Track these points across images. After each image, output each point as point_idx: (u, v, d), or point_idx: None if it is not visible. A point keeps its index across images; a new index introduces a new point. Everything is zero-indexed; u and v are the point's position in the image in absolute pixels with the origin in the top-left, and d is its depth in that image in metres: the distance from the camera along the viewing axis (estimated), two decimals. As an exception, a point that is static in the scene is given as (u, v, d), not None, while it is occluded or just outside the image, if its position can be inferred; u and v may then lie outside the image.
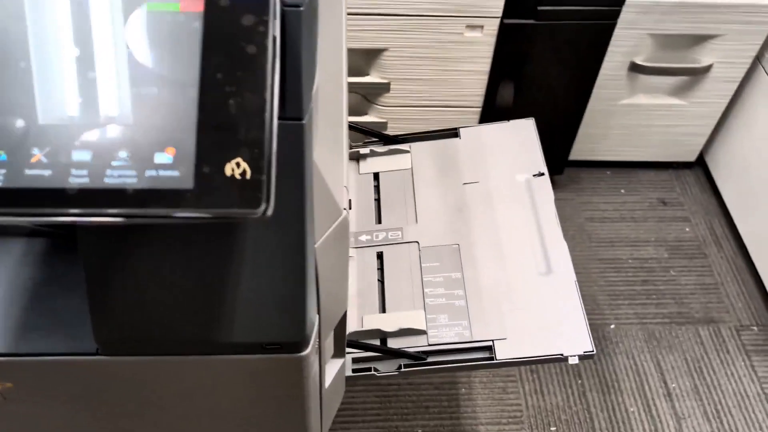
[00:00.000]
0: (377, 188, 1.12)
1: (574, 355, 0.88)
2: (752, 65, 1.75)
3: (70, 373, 0.64)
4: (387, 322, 0.93)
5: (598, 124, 1.87)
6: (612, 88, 1.77)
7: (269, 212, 0.46)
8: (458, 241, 1.02)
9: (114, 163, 0.46)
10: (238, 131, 0.46)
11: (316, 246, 0.61)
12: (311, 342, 0.64)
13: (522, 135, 1.16)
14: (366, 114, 1.71)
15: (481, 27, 1.50)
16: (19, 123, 0.46)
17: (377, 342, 0.93)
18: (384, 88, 1.63)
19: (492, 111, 1.67)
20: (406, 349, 0.90)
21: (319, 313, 0.67)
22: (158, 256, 0.57)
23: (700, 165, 2.05)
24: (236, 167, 0.46)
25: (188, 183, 0.46)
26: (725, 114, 1.88)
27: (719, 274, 1.80)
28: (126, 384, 0.65)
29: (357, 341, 0.90)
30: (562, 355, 0.89)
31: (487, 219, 1.04)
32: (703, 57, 1.72)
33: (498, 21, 1.49)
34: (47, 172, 0.45)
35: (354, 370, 0.91)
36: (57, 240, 0.70)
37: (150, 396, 0.67)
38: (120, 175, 0.45)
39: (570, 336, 0.90)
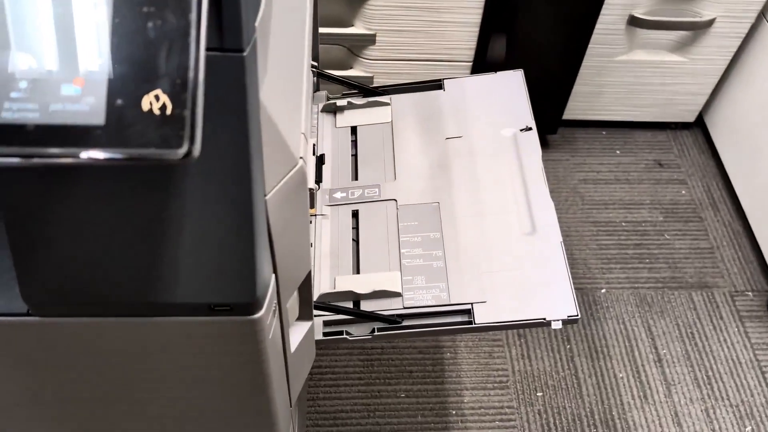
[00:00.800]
0: (354, 143, 1.05)
1: (558, 320, 0.83)
2: (756, 20, 1.67)
3: (1, 335, 0.59)
4: (361, 284, 0.87)
5: (594, 82, 1.79)
6: (609, 43, 1.69)
7: (195, 154, 0.40)
8: (438, 199, 0.96)
9: (13, 95, 0.39)
10: (157, 59, 0.40)
11: (266, 198, 0.55)
12: (266, 304, 0.59)
13: (510, 87, 1.09)
14: (351, 68, 1.64)
15: (472, -25, 1.42)
16: None
17: (350, 305, 0.88)
18: (369, 40, 1.55)
19: (483, 66, 1.59)
20: (380, 312, 0.85)
21: (276, 272, 0.62)
22: (88, 205, 0.51)
23: (699, 126, 1.98)
24: (155, 101, 0.39)
25: (99, 118, 0.39)
26: (726, 72, 1.81)
27: (715, 239, 1.75)
28: (63, 348, 0.60)
29: (328, 303, 0.85)
30: (544, 319, 0.83)
31: (469, 176, 0.98)
32: (705, 11, 1.64)
33: (489, -32, 1.41)
34: (-67, 104, 0.39)
35: (325, 334, 0.85)
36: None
37: (92, 361, 0.62)
38: (19, 109, 0.39)
39: (554, 299, 0.85)
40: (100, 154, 0.39)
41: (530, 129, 1.02)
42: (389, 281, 0.88)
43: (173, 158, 0.39)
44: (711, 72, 1.79)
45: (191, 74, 0.40)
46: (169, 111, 0.39)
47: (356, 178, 1.01)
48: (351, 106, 1.08)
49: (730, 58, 1.75)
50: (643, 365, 1.51)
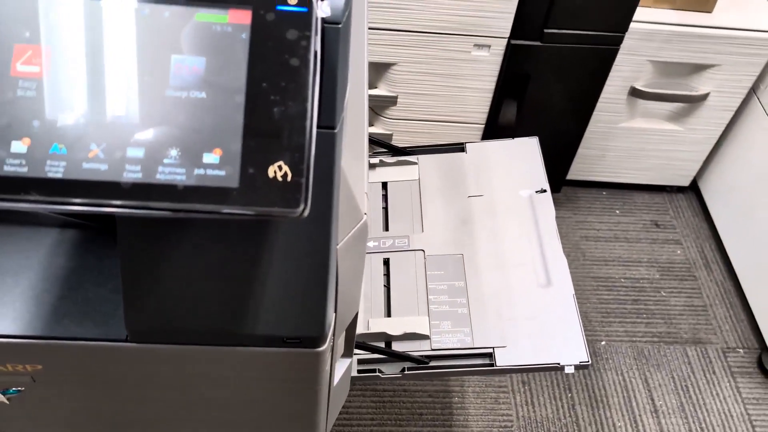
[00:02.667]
0: (385, 197, 1.16)
1: (570, 365, 0.92)
2: (747, 96, 1.81)
3: (98, 357, 0.67)
4: (392, 326, 0.96)
5: (597, 146, 1.92)
6: (611, 111, 1.82)
7: (306, 213, 0.50)
8: (462, 251, 1.06)
9: (165, 161, 0.49)
10: (281, 137, 0.50)
11: (338, 247, 0.65)
12: (328, 339, 0.68)
13: (526, 152, 1.20)
14: (372, 125, 1.75)
15: (489, 46, 1.55)
16: (79, 119, 0.49)
17: (382, 345, 0.96)
18: (391, 101, 1.67)
19: (495, 128, 1.71)
20: (410, 353, 0.94)
21: (335, 312, 0.71)
22: (191, 250, 0.60)
23: (693, 190, 2.11)
24: (278, 170, 0.50)
25: (234, 182, 0.49)
26: (720, 141, 1.94)
27: (708, 297, 1.85)
28: (149, 370, 0.69)
29: (363, 343, 0.94)
30: (558, 364, 0.93)
31: (490, 231, 1.09)
32: (701, 85, 1.78)
33: (505, 41, 1.54)
34: (104, 167, 0.49)
35: (359, 371, 0.94)
36: (87, 232, 0.74)
37: (171, 382, 0.70)
38: (171, 172, 0.49)
39: (567, 346, 0.94)
40: (236, 210, 0.49)
41: (545, 191, 1.13)
42: (418, 325, 0.97)
43: (292, 216, 0.49)
44: (705, 141, 1.92)
45: (306, 149, 0.50)
46: (289, 178, 0.50)
47: (387, 229, 1.11)
48: (382, 163, 1.19)
49: (723, 128, 1.89)
50: (640, 415, 1.59)
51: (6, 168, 0.48)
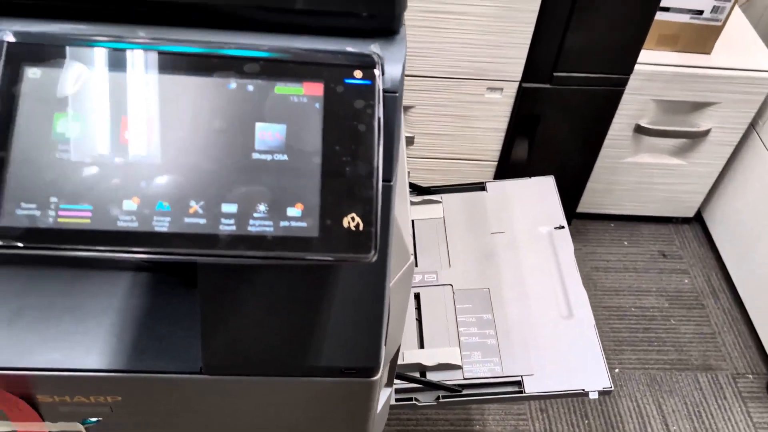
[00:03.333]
0: (413, 234, 1.23)
1: (595, 391, 0.98)
2: (747, 131, 1.90)
3: (173, 389, 0.74)
4: (426, 357, 1.03)
5: (604, 180, 2.00)
6: (618, 147, 1.91)
7: (376, 257, 0.57)
8: (488, 285, 1.13)
9: (255, 215, 0.57)
10: (353, 192, 0.58)
11: (390, 286, 0.72)
12: (380, 369, 0.75)
13: (543, 191, 1.28)
14: (390, 164, 1.84)
15: (501, 89, 1.64)
16: (180, 180, 0.57)
17: (417, 374, 1.03)
18: (408, 141, 1.76)
19: (507, 165, 1.80)
20: (444, 382, 1.01)
21: (385, 344, 0.78)
22: (263, 291, 0.68)
23: (697, 221, 2.18)
24: (352, 220, 0.57)
25: (314, 232, 0.57)
26: (722, 174, 2.02)
27: (716, 324, 1.91)
28: (219, 400, 0.75)
29: (401, 373, 1.00)
30: (583, 390, 0.99)
31: (513, 266, 1.16)
32: (702, 122, 1.87)
33: (517, 84, 1.63)
34: (202, 221, 0.57)
35: (397, 399, 1.01)
36: (157, 275, 0.81)
37: (237, 410, 0.77)
38: (260, 225, 0.57)
39: (590, 374, 1.01)
40: (318, 257, 0.56)
41: (563, 227, 1.21)
42: (451, 355, 1.04)
43: (365, 260, 0.57)
44: (708, 174, 2.01)
45: (374, 202, 0.58)
46: (361, 228, 0.57)
47: (416, 265, 1.18)
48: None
49: (725, 162, 1.97)
50: (656, 441, 1.64)
51: (119, 224, 0.56)
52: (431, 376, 1.03)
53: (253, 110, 0.59)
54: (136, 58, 0.59)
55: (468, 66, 1.58)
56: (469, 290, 1.12)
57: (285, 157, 0.59)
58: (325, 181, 0.58)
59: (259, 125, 0.59)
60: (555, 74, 1.61)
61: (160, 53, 0.59)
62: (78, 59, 0.58)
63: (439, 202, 1.28)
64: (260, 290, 0.68)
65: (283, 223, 0.57)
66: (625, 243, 2.11)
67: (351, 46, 0.63)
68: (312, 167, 0.58)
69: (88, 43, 0.59)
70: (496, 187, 1.30)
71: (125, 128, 0.58)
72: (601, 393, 0.99)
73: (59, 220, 0.55)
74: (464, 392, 1.01)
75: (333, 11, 0.63)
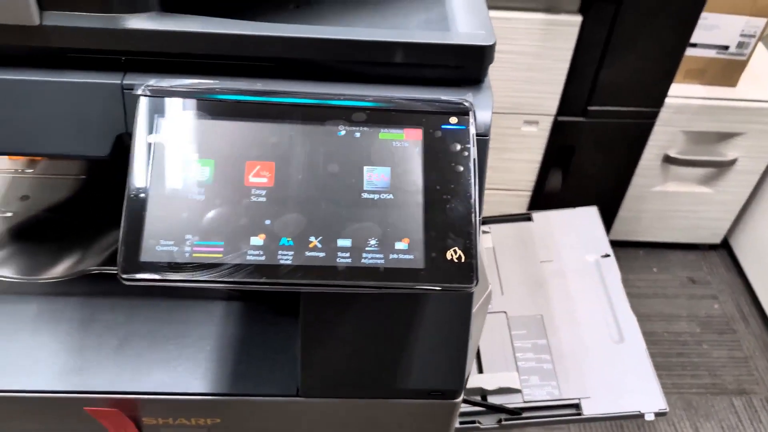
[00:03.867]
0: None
1: (651, 413, 1.03)
2: (772, 160, 1.96)
3: (270, 411, 0.79)
4: (487, 381, 1.08)
5: (633, 208, 2.06)
6: (647, 176, 1.97)
7: (475, 287, 0.63)
8: (540, 311, 1.19)
9: (367, 249, 0.63)
10: (454, 227, 0.64)
11: (473, 313, 0.78)
12: (462, 391, 0.80)
13: (586, 220, 1.34)
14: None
15: (537, 122, 1.71)
16: (300, 218, 0.63)
17: (478, 398, 1.08)
18: (446, 173, 1.82)
19: (541, 195, 1.86)
20: (505, 405, 1.05)
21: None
22: (358, 318, 0.74)
23: (724, 247, 2.23)
24: (454, 253, 0.63)
25: (420, 264, 0.63)
26: (748, 201, 2.08)
27: (748, 348, 1.95)
28: (313, 421, 0.81)
29: (465, 397, 1.05)
30: (639, 412, 1.04)
31: (563, 293, 1.21)
32: (729, 151, 1.93)
33: (552, 118, 1.70)
34: (321, 254, 0.63)
35: (460, 422, 1.05)
36: (248, 304, 0.87)
37: (323, 429, 0.82)
38: (372, 258, 0.63)
39: (645, 396, 1.05)
40: (425, 287, 0.62)
41: (608, 256, 1.26)
42: (510, 380, 1.08)
43: (467, 290, 0.63)
44: (734, 201, 2.06)
45: (473, 236, 0.64)
46: (463, 260, 0.63)
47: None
48: (458, 233, 1.33)
49: (751, 190, 2.03)
50: (695, 464, 1.67)
51: (248, 258, 0.62)
52: (492, 400, 1.07)
53: (361, 154, 0.66)
54: (257, 108, 0.66)
55: (506, 101, 1.65)
56: (522, 317, 1.17)
57: (391, 196, 0.65)
58: (428, 218, 0.64)
59: (366, 168, 0.66)
60: (589, 108, 1.68)
61: (279, 104, 0.66)
62: (206, 110, 0.65)
63: (488, 232, 1.34)
64: (356, 318, 0.73)
65: (392, 256, 0.63)
66: (654, 269, 2.16)
67: (444, 95, 0.69)
68: (415, 205, 0.65)
69: (214, 95, 0.66)
70: (541, 218, 1.35)
71: (249, 172, 0.64)
72: (657, 414, 1.03)
73: (194, 255, 0.62)
74: (525, 415, 1.05)
75: (429, 64, 0.69)
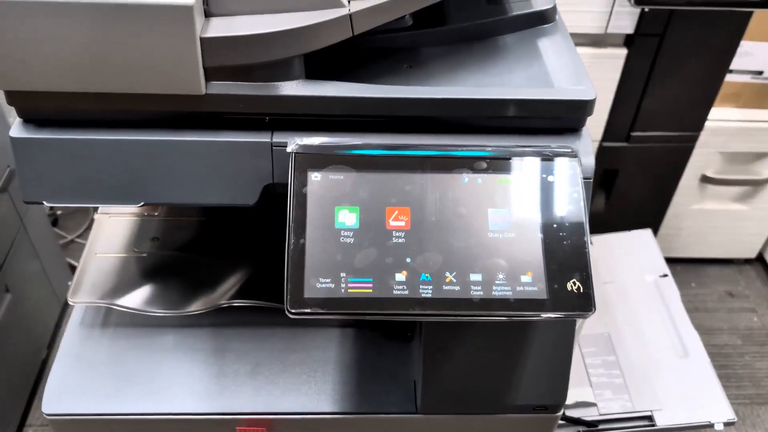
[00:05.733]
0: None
1: (720, 422, 1.11)
2: (806, 177, 2.04)
3: (390, 427, 0.88)
4: (563, 396, 1.16)
5: (672, 226, 2.14)
6: (685, 195, 2.05)
7: (593, 314, 0.72)
8: (607, 330, 1.27)
9: (496, 282, 0.72)
10: (572, 261, 0.73)
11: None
12: (563, 405, 0.89)
13: (641, 242, 1.42)
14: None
15: (582, 148, 1.80)
16: (436, 256, 0.72)
17: (556, 412, 1.16)
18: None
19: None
20: (583, 418, 1.14)
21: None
22: (475, 342, 0.82)
23: (759, 261, 2.31)
24: (573, 284, 0.72)
25: (543, 295, 0.72)
26: (782, 217, 2.16)
27: (789, 360, 2.02)
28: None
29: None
30: (709, 422, 1.12)
31: (627, 312, 1.30)
32: (764, 170, 2.01)
33: (597, 143, 1.79)
34: (456, 288, 0.72)
35: (542, 435, 1.13)
36: (362, 330, 0.96)
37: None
38: (501, 290, 0.72)
39: (713, 407, 1.13)
40: (550, 315, 0.71)
41: (666, 275, 1.35)
42: (585, 394, 1.17)
43: (586, 317, 0.71)
44: (769, 217, 2.14)
45: (589, 268, 0.73)
46: (581, 290, 0.72)
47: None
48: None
49: (785, 206, 2.11)
50: (746, 472, 1.74)
51: (395, 292, 0.71)
52: (569, 413, 1.15)
53: (484, 198, 0.75)
54: (393, 161, 0.75)
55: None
56: (591, 335, 1.26)
57: (513, 235, 0.74)
58: (547, 253, 0.73)
59: (490, 210, 0.75)
60: (632, 134, 1.77)
61: (411, 157, 0.76)
62: (349, 164, 0.75)
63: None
64: (472, 341, 0.82)
65: (518, 288, 0.72)
66: (693, 284, 2.23)
67: (549, 143, 0.79)
68: (535, 242, 0.74)
69: (355, 151, 0.75)
70: (599, 241, 1.44)
71: (389, 216, 0.74)
72: (726, 424, 1.11)
73: (349, 290, 0.71)
74: (601, 427, 1.13)
75: (537, 116, 0.79)
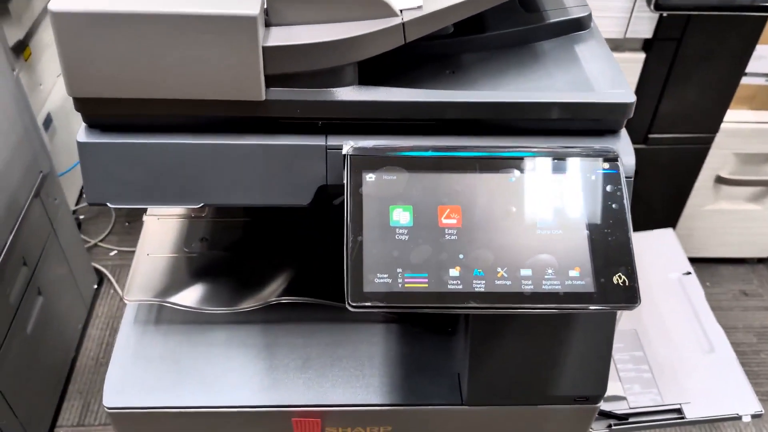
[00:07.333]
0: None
1: (747, 414, 1.14)
2: (819, 177, 2.07)
3: (437, 418, 0.91)
4: (594, 390, 1.19)
5: (686, 227, 2.17)
6: (699, 196, 2.09)
7: (637, 305, 0.75)
8: (634, 326, 1.30)
9: (546, 277, 0.76)
10: (617, 256, 0.76)
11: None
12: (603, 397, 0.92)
13: (664, 241, 1.46)
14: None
15: (600, 150, 1.84)
16: (487, 253, 0.76)
17: (587, 406, 1.19)
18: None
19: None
20: (614, 412, 1.17)
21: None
22: (520, 335, 0.86)
23: (772, 260, 2.35)
24: (619, 278, 0.76)
25: (591, 288, 0.75)
26: (795, 217, 2.19)
27: (805, 357, 2.05)
28: (470, 427, 0.93)
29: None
30: (737, 414, 1.15)
31: (653, 309, 1.33)
32: (777, 171, 2.05)
33: (614, 146, 1.82)
34: (508, 282, 0.75)
35: (574, 428, 1.17)
36: (404, 325, 0.99)
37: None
38: (550, 284, 0.75)
39: (740, 400, 1.17)
40: (597, 308, 0.74)
41: (690, 273, 1.38)
42: (615, 389, 1.20)
43: (630, 309, 0.75)
44: (782, 217, 2.17)
45: (633, 262, 0.76)
46: (627, 284, 0.76)
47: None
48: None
49: (797, 205, 2.14)
50: (765, 467, 1.77)
51: (449, 287, 0.75)
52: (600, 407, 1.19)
53: (531, 197, 0.79)
54: (444, 162, 0.79)
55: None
56: (619, 331, 1.29)
57: (560, 231, 0.78)
58: (594, 248, 0.77)
59: (537, 208, 0.78)
60: (649, 136, 1.81)
61: (460, 158, 0.79)
62: (401, 164, 0.78)
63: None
64: (518, 334, 0.86)
65: (567, 282, 0.76)
66: (707, 284, 2.26)
67: (591, 144, 0.82)
68: (582, 238, 0.77)
69: (408, 152, 0.79)
70: (621, 240, 1.47)
71: (441, 215, 0.77)
72: (753, 416, 1.14)
73: (406, 285, 0.74)
74: (631, 420, 1.16)
75: (579, 118, 0.82)
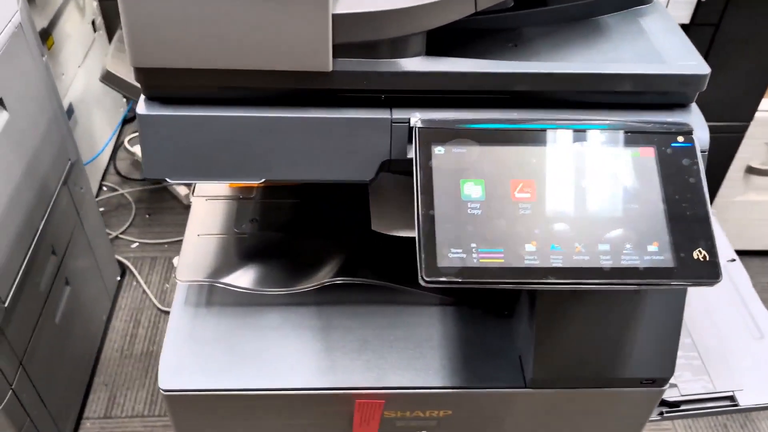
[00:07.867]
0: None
1: (802, 402, 1.11)
2: None
3: (499, 401, 0.89)
4: (644, 378, 1.17)
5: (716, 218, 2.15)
6: (729, 187, 2.06)
7: (719, 280, 0.73)
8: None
9: (624, 252, 0.73)
10: (697, 230, 0.74)
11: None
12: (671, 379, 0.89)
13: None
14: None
15: (632, 139, 1.81)
16: (564, 227, 0.74)
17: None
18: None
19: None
20: (666, 399, 1.14)
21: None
22: (587, 316, 0.83)
23: (800, 253, 2.32)
24: (699, 253, 0.73)
25: (671, 263, 0.73)
26: (825, 208, 2.16)
27: (836, 350, 2.02)
28: (534, 410, 0.90)
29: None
30: (792, 402, 1.12)
31: (699, 296, 1.30)
32: (807, 171, 2.02)
33: (647, 135, 1.80)
34: (586, 257, 0.73)
35: (625, 416, 1.14)
36: (462, 308, 0.97)
37: (546, 421, 0.92)
38: (629, 259, 0.73)
39: (794, 387, 1.14)
40: (678, 283, 0.72)
41: (734, 260, 1.36)
42: (665, 375, 1.17)
43: (712, 285, 0.73)
44: (811, 208, 2.15)
45: (713, 237, 0.74)
46: (707, 259, 0.73)
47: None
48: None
49: (827, 197, 2.12)
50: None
51: (526, 262, 0.72)
52: (649, 395, 1.16)
53: (606, 170, 0.76)
54: (515, 135, 0.77)
55: (606, 120, 1.76)
56: (665, 318, 1.27)
57: (637, 206, 0.75)
58: (672, 223, 0.74)
59: (612, 182, 0.76)
60: (683, 124, 1.78)
61: (532, 130, 0.77)
62: (471, 137, 0.76)
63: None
64: (585, 315, 0.83)
65: (646, 258, 0.73)
66: (735, 276, 2.24)
67: (662, 117, 0.80)
68: (659, 213, 0.75)
69: (478, 125, 0.77)
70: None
71: (514, 189, 0.75)
72: (808, 404, 1.12)
73: (480, 260, 0.72)
74: (683, 407, 1.14)
75: (651, 91, 0.80)
